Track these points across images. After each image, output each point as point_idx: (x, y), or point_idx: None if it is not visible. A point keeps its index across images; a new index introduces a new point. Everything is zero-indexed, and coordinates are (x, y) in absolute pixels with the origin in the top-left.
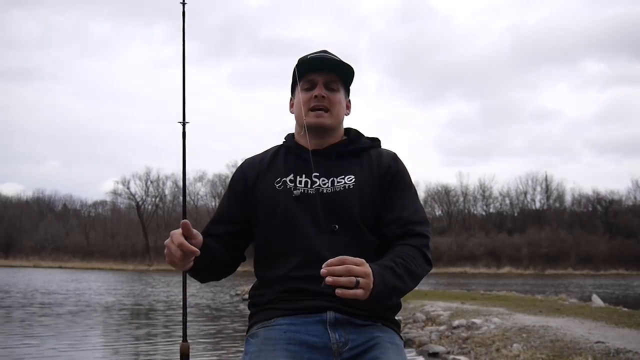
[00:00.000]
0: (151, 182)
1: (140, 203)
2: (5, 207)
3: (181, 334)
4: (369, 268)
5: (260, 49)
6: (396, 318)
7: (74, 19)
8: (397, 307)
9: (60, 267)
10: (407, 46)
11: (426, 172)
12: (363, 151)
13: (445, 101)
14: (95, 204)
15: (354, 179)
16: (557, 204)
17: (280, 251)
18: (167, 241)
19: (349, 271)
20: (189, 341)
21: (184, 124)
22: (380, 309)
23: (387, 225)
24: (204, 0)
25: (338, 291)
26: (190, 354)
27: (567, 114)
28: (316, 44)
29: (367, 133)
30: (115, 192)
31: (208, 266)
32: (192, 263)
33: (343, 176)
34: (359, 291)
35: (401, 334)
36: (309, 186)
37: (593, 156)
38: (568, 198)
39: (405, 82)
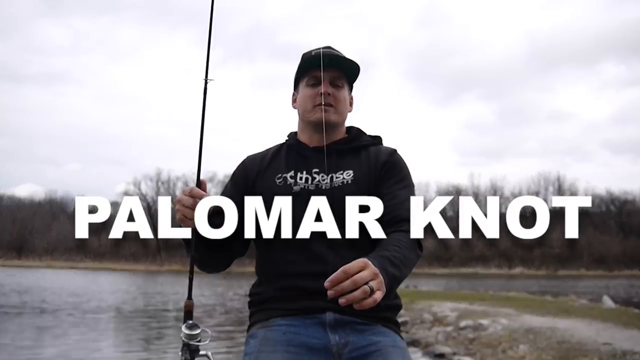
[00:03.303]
0: (162, 183)
1: (151, 204)
2: (19, 209)
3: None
4: (374, 267)
5: (279, 53)
6: (399, 319)
7: (101, 25)
8: (397, 308)
9: (72, 268)
10: (425, 51)
11: (440, 173)
12: (363, 148)
13: (462, 104)
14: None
15: (352, 175)
16: None
17: (277, 247)
18: (179, 197)
19: (356, 283)
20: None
21: (206, 81)
22: (380, 308)
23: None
24: (228, 6)
25: (356, 306)
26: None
27: (584, 115)
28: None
29: (384, 136)
30: (126, 193)
31: (210, 245)
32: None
33: (342, 172)
34: (378, 294)
35: (402, 335)
36: (309, 182)
37: (609, 157)
38: None
39: (423, 85)
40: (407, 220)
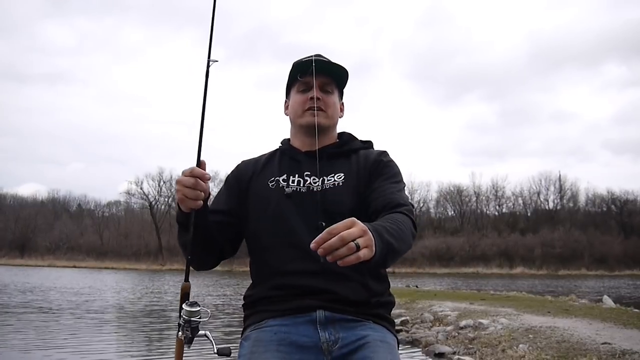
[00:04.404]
0: (164, 182)
1: (153, 203)
2: (21, 207)
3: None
4: (363, 225)
5: (283, 54)
6: (399, 318)
7: (105, 26)
8: (389, 305)
9: (74, 267)
10: (428, 51)
11: (441, 173)
12: (353, 152)
13: (464, 104)
14: (109, 204)
15: (343, 177)
16: (571, 204)
17: (270, 247)
18: (179, 178)
19: (344, 240)
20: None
21: (208, 62)
22: (371, 305)
23: (368, 206)
24: (232, 7)
25: (339, 262)
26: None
27: (586, 115)
28: (338, 51)
29: (387, 135)
30: (128, 193)
31: (205, 233)
32: (201, 202)
33: (333, 174)
34: (363, 252)
35: (395, 332)
36: (300, 185)
37: (610, 157)
38: (582, 198)
39: (425, 85)
40: (401, 204)
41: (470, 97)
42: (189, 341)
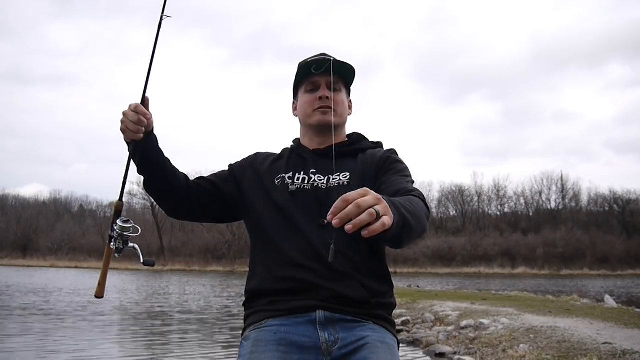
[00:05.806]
0: None
1: (155, 204)
2: (23, 208)
3: (187, 337)
4: (376, 193)
5: (286, 55)
6: (400, 319)
7: (110, 28)
8: (390, 306)
9: (76, 267)
10: (431, 52)
11: (444, 173)
12: (361, 151)
13: (467, 104)
14: (111, 205)
15: (349, 176)
16: (573, 204)
17: (273, 242)
18: (125, 111)
19: (360, 206)
20: None
21: (162, 17)
22: (371, 306)
23: None
24: (235, 8)
25: (364, 232)
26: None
27: (588, 115)
28: (342, 52)
29: (390, 135)
30: (130, 193)
31: (158, 166)
32: (142, 135)
33: (339, 173)
34: (385, 219)
35: (395, 334)
36: (305, 182)
37: (612, 156)
38: (584, 197)
39: (429, 85)
40: (412, 190)
41: (473, 98)
42: (119, 252)
